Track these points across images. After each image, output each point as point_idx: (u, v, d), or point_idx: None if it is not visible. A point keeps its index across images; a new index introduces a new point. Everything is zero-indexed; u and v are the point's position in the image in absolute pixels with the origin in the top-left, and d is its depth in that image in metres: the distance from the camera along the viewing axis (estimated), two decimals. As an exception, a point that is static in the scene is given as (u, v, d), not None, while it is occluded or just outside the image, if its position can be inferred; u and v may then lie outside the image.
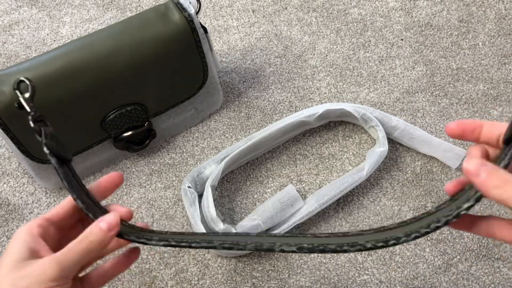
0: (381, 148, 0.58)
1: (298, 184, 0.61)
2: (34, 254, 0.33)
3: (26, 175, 0.62)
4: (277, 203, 0.56)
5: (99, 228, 0.34)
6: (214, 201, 0.55)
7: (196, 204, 0.56)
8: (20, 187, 0.62)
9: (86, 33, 0.75)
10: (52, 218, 0.36)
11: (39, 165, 0.56)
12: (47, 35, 0.75)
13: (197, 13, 0.55)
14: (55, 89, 0.50)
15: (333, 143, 0.64)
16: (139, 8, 0.78)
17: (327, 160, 0.63)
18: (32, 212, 0.60)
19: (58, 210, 0.37)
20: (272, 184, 0.61)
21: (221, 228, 0.53)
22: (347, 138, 0.64)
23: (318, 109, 0.60)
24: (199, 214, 0.55)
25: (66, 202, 0.37)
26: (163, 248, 0.57)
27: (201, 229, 0.53)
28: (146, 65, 0.53)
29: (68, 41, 0.74)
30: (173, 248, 0.57)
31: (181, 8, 0.54)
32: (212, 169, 0.58)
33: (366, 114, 0.60)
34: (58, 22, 0.76)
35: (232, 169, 0.62)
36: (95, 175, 0.62)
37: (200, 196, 0.58)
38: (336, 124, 0.65)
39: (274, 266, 0.56)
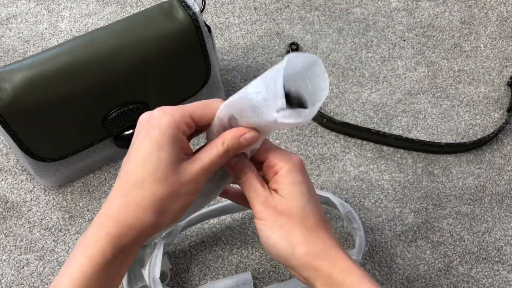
0: (353, 256, 0.53)
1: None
2: (182, 157, 0.31)
3: (24, 172, 0.62)
4: None
5: (233, 133, 0.32)
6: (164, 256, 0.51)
7: None
8: (18, 184, 0.61)
9: (86, 28, 0.74)
10: (197, 121, 0.33)
11: (39, 163, 0.55)
12: (46, 29, 0.74)
13: (201, 11, 0.54)
14: (57, 86, 0.49)
15: (335, 143, 0.64)
16: (139, 3, 0.77)
17: (328, 161, 0.62)
18: (30, 210, 0.59)
19: (204, 115, 0.33)
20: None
21: None
22: (348, 139, 0.64)
23: None
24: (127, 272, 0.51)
25: (213, 108, 0.34)
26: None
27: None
28: (149, 63, 0.53)
29: (67, 35, 0.73)
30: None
31: (186, 6, 0.53)
32: None
33: (352, 213, 0.54)
34: (57, 16, 0.75)
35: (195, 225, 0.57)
36: (94, 173, 0.62)
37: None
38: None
39: (275, 267, 0.56)
